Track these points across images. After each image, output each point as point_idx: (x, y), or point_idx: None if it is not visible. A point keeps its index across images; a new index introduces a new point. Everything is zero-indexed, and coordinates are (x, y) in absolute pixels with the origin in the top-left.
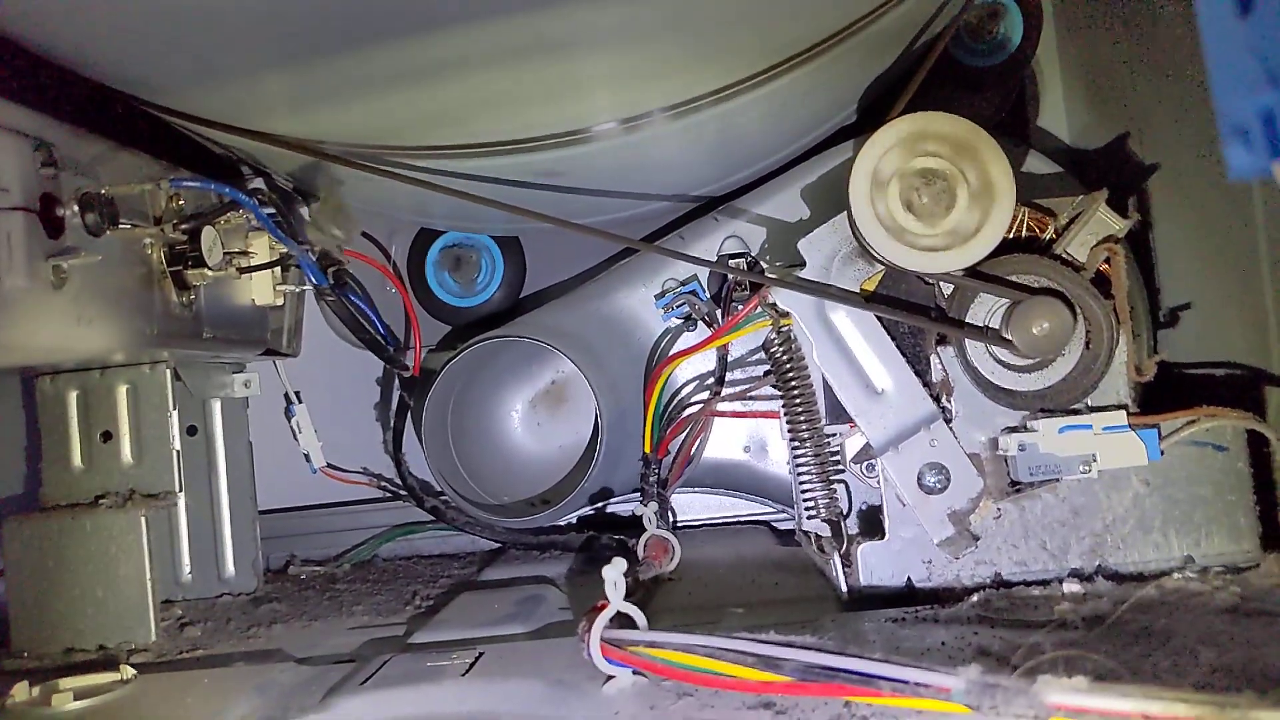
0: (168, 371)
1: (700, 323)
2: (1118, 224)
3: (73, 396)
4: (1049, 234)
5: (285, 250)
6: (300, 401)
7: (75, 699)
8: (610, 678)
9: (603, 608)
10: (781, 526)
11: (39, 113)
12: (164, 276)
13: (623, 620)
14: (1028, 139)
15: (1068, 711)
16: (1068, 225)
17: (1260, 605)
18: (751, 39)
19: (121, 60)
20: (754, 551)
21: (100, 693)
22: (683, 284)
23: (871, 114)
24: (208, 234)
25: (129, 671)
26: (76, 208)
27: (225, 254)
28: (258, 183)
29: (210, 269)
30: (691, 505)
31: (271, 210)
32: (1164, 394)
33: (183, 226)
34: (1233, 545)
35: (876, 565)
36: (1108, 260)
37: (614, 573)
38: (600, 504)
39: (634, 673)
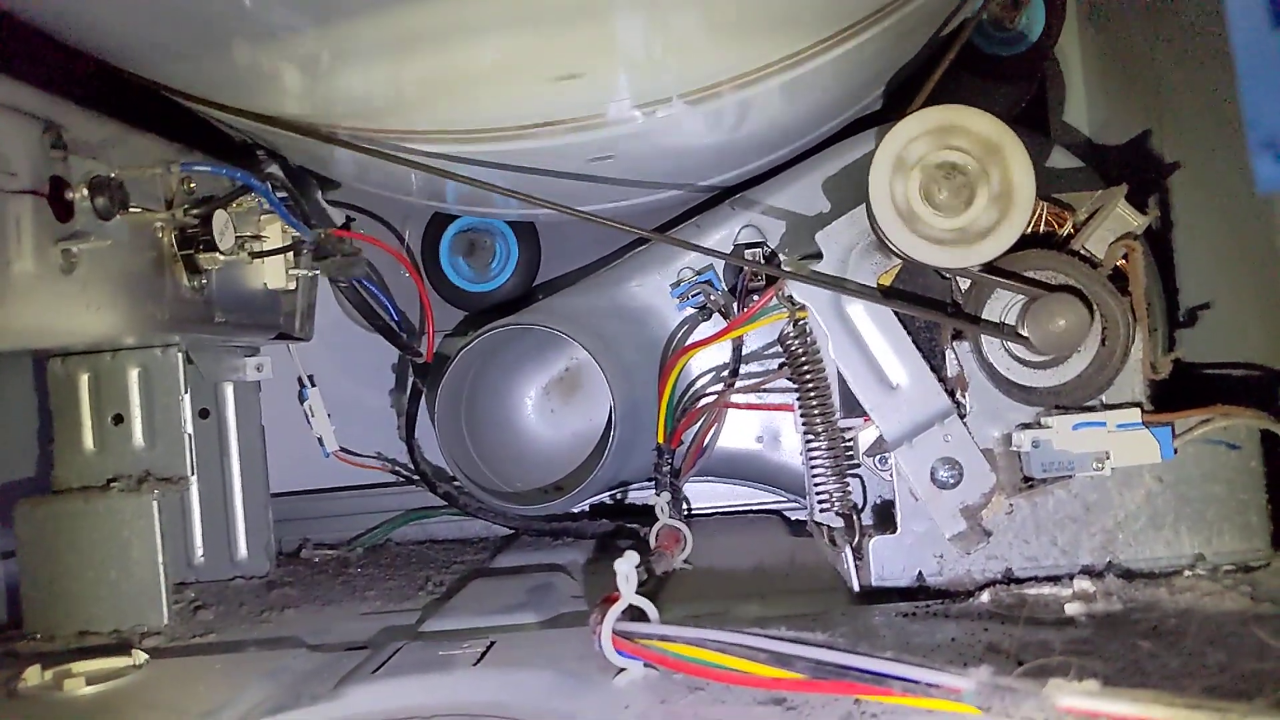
0: (179, 355)
1: (716, 313)
2: (1136, 220)
3: (84, 379)
4: (1067, 229)
5: (297, 235)
6: (313, 385)
7: (87, 683)
8: (621, 670)
9: (614, 600)
10: (794, 516)
11: (48, 93)
12: (175, 260)
13: (634, 613)
14: (1049, 131)
15: (1077, 715)
16: (1086, 221)
17: (1270, 605)
18: (777, 22)
19: (126, 33)
20: (766, 541)
21: (112, 677)
22: (698, 274)
23: (896, 102)
24: (219, 218)
25: (141, 656)
26: (86, 191)
27: (237, 238)
28: (273, 167)
29: (222, 253)
30: (704, 494)
31: (284, 195)
32: (1179, 393)
33: (194, 211)
34: (1244, 544)
35: (888, 559)
36: (1125, 257)
37: (626, 566)
38: (613, 492)
39: (645, 666)
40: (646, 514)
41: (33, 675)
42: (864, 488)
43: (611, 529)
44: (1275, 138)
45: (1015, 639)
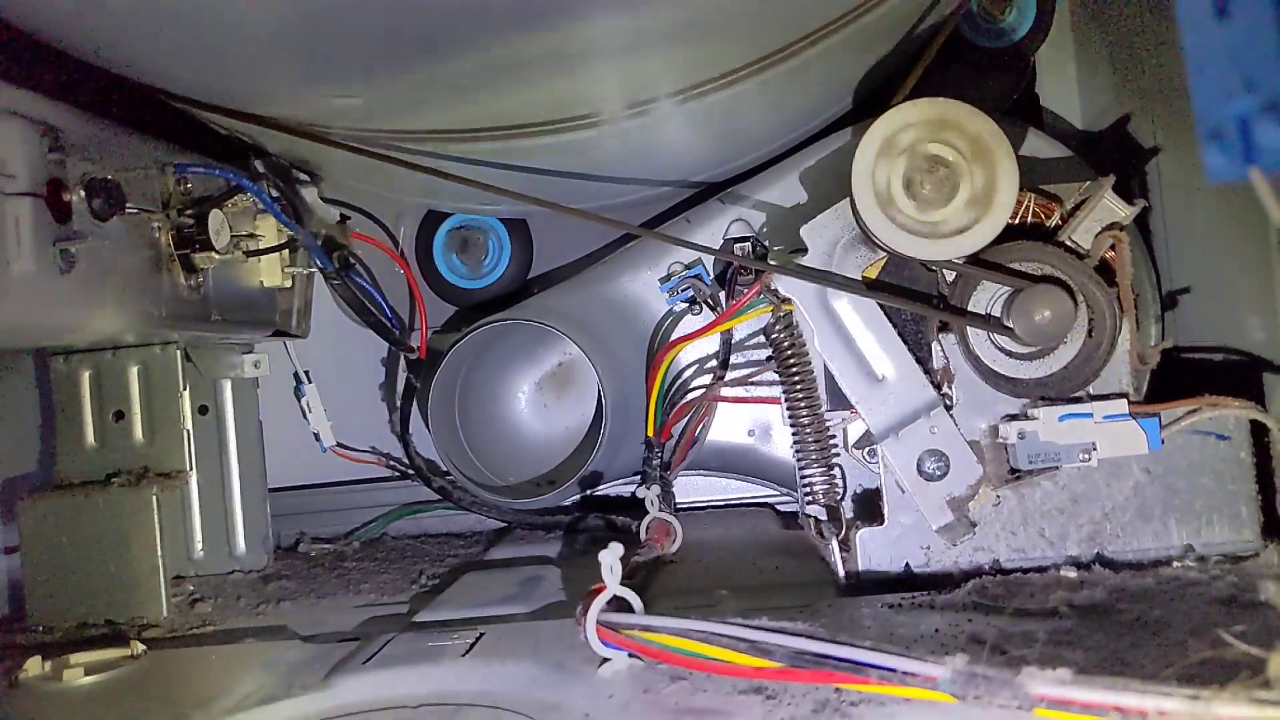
0: (178, 352)
1: (704, 306)
2: (1123, 211)
3: (85, 376)
4: (1054, 220)
5: (291, 232)
6: (310, 381)
7: (86, 674)
8: (606, 660)
9: (599, 591)
10: (785, 510)
11: (45, 98)
12: (172, 260)
13: (619, 604)
14: (1040, 122)
15: (1050, 702)
16: (1073, 211)
17: (1255, 596)
18: (757, 22)
19: (130, 48)
20: (756, 535)
21: (111, 668)
22: (687, 268)
23: (870, 101)
24: (215, 217)
25: (139, 647)
26: (83, 192)
27: (233, 237)
28: (263, 163)
29: (218, 252)
30: (696, 487)
31: (277, 194)
32: (1175, 380)
33: (190, 210)
34: (1233, 535)
35: (875, 551)
36: (1113, 247)
37: (610, 557)
38: (605, 485)
39: (629, 656)
40: (638, 507)
41: (33, 665)
42: (844, 478)
43: (603, 522)
44: (1221, 128)
45: (999, 630)
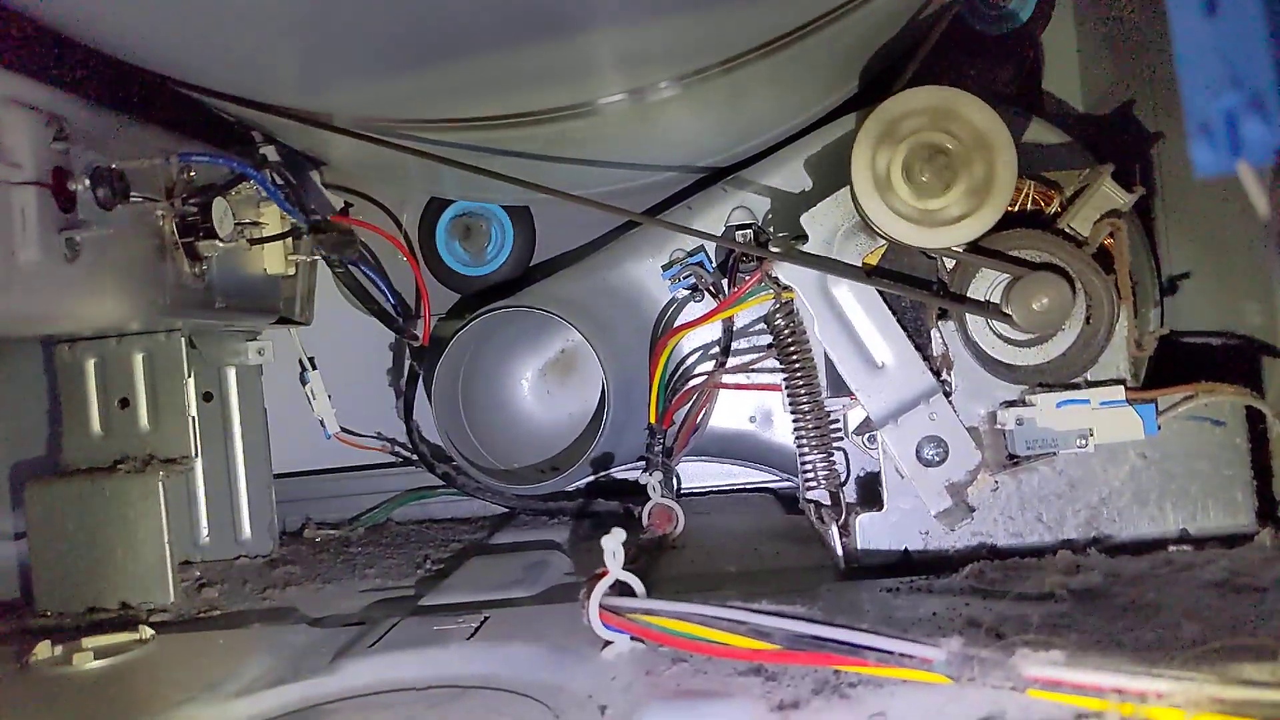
0: (182, 340)
1: (706, 294)
2: (1122, 198)
3: (91, 364)
4: (1054, 208)
5: (295, 220)
6: (314, 368)
7: (96, 658)
8: (608, 643)
9: (602, 575)
10: (787, 495)
11: (50, 87)
12: (176, 248)
13: (622, 588)
14: (1041, 108)
15: (1043, 683)
16: (1072, 199)
17: (1249, 580)
18: (758, 8)
19: (134, 35)
20: (758, 520)
21: (120, 652)
22: (690, 255)
23: (874, 87)
24: (218, 206)
25: (148, 631)
26: (88, 182)
27: (236, 225)
28: (268, 148)
29: (221, 240)
30: (698, 473)
31: (281, 182)
32: (1173, 366)
33: (194, 199)
34: (1228, 519)
35: (874, 536)
36: (1111, 235)
37: (613, 542)
38: (608, 471)
39: (631, 639)
40: (641, 493)
41: (43, 650)
42: (848, 463)
43: (606, 508)
44: (1209, 122)
45: (995, 613)
